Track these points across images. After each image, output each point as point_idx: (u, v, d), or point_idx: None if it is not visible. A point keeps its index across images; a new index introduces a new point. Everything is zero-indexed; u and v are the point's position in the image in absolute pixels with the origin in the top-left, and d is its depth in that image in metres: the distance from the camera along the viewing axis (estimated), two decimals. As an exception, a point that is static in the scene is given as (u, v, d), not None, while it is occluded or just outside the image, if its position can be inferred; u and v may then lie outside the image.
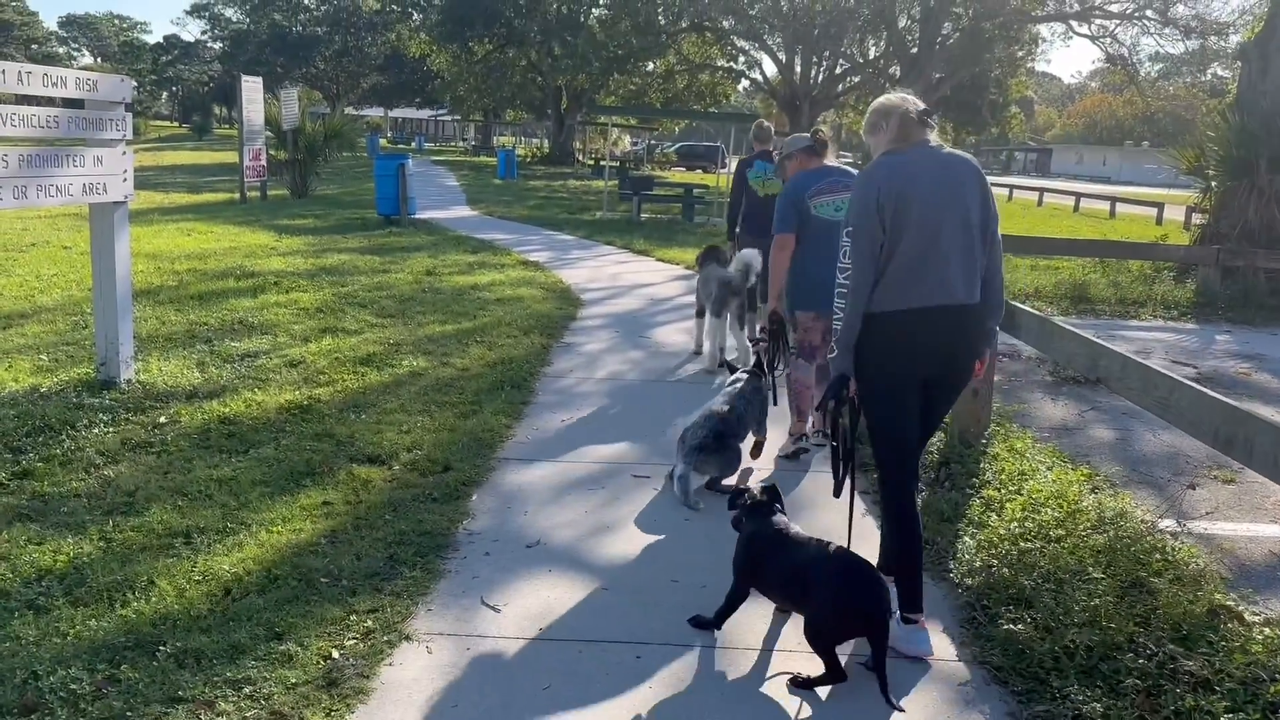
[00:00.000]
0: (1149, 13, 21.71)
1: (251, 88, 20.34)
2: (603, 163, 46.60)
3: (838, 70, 36.58)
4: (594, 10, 43.68)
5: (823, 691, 3.03)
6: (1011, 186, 39.61)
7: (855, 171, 4.89)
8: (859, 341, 3.25)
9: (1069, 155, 79.94)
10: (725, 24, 35.34)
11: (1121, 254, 11.73)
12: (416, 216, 17.25)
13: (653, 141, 54.81)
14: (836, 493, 3.38)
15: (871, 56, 35.50)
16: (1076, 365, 4.79)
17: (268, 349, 7.12)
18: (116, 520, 4.03)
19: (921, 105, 3.39)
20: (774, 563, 3.25)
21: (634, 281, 11.67)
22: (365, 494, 4.44)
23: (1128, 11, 22.60)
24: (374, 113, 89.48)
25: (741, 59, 38.19)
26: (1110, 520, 3.98)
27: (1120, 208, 29.69)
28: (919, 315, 3.20)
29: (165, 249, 12.07)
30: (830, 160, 5.30)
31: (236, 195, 20.25)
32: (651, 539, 4.14)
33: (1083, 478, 4.70)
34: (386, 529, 4.04)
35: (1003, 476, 4.62)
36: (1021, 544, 3.77)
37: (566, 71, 36.61)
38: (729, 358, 6.65)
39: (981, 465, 4.82)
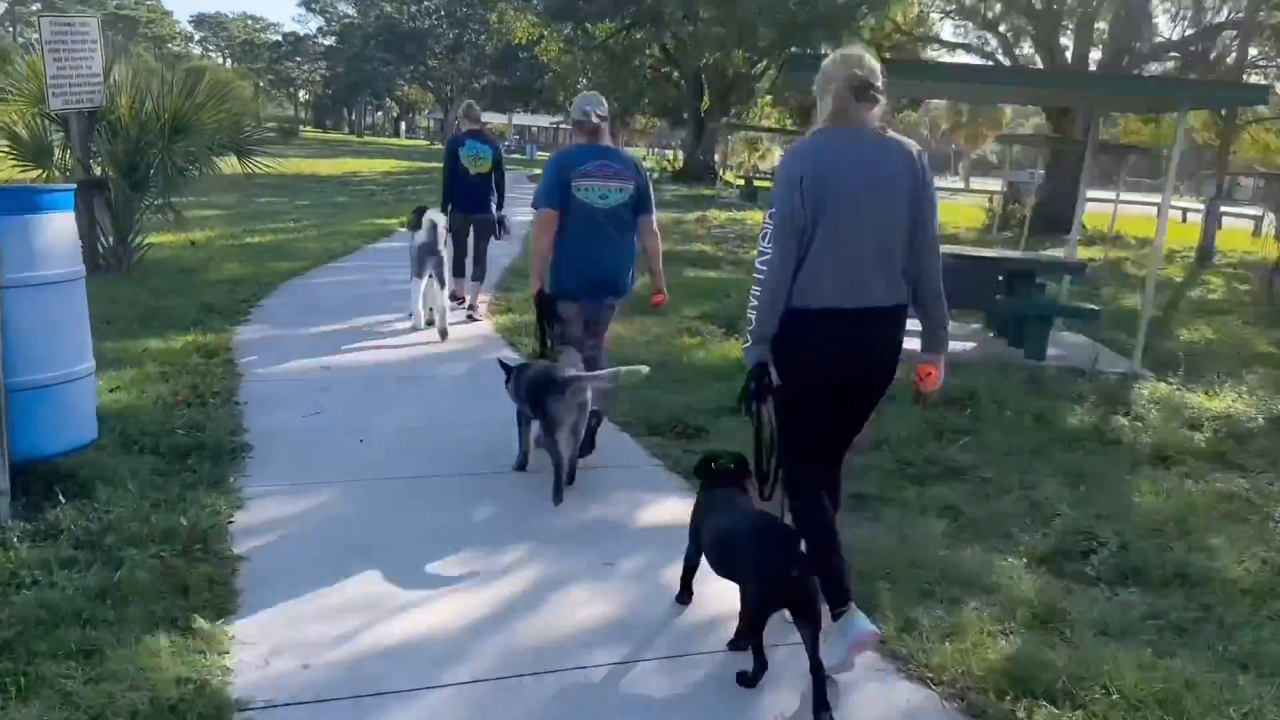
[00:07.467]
0: None
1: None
2: (755, 181, 34.37)
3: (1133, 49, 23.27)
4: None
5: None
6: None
7: (634, 158, 4.77)
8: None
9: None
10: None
11: None
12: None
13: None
14: (762, 494, 3.13)
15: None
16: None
17: None
18: None
19: (866, 74, 2.92)
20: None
21: None
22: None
23: None
24: (497, 118, 79.49)
25: (993, 39, 25.20)
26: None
27: None
28: (833, 317, 2.97)
29: None
30: (607, 141, 4.76)
31: None
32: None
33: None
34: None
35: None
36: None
37: (715, 46, 24.54)
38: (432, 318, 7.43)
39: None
